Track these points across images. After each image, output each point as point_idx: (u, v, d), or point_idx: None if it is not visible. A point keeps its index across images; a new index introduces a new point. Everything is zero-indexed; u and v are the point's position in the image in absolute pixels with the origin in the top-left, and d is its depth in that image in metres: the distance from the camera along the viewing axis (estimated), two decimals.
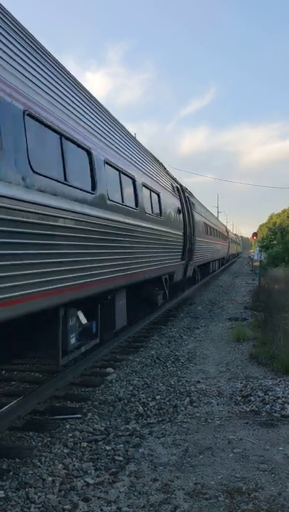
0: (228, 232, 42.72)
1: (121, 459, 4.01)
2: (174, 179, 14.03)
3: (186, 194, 15.01)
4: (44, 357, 5.72)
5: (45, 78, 4.75)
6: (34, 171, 4.15)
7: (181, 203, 13.40)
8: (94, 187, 5.81)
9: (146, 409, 5.28)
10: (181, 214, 13.09)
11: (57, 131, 4.82)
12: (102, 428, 4.72)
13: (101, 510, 3.23)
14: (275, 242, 37.27)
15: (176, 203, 12.58)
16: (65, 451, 4.19)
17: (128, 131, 8.76)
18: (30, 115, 4.22)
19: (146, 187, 8.98)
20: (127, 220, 7.19)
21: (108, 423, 4.88)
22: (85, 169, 5.74)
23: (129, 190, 7.79)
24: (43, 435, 4.53)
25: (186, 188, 15.68)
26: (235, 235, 79.05)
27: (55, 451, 4.17)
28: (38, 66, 4.68)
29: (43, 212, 4.30)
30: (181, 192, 13.93)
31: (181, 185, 14.67)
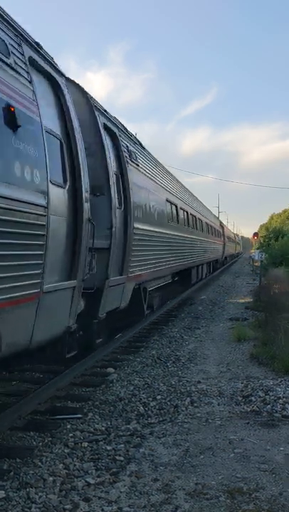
0: (223, 228, 35.22)
1: (122, 459, 4.01)
2: (45, 57, 5.07)
3: (109, 125, 7.13)
4: None
5: None
6: None
7: (65, 118, 5.36)
8: None
9: (147, 409, 5.28)
10: (62, 145, 5.19)
11: None
12: (103, 428, 4.72)
13: (102, 510, 3.22)
14: (272, 245, 37.24)
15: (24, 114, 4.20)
16: (65, 451, 4.18)
17: None
18: None
19: None
20: None
21: (109, 423, 4.88)
22: None
23: None
24: (43, 435, 4.53)
25: (116, 119, 7.84)
26: (234, 233, 65.72)
27: (55, 451, 4.17)
28: None
29: None
30: (61, 94, 5.30)
31: (82, 90, 6.44)
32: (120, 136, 7.53)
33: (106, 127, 6.87)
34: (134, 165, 8.17)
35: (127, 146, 7.90)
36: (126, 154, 7.63)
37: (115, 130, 7.30)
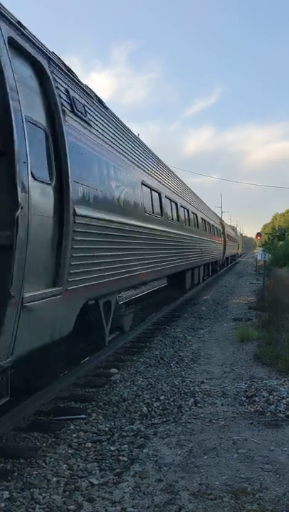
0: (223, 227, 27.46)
1: (125, 459, 4.01)
2: None
3: (25, 45, 4.07)
4: None
5: None
6: None
7: None
8: None
9: (150, 409, 5.28)
10: None
11: None
12: (107, 428, 4.72)
13: (106, 510, 3.22)
14: (281, 242, 36.89)
15: None
16: (69, 451, 4.19)
17: None
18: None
19: None
20: None
21: (112, 423, 4.88)
22: None
23: None
24: (47, 436, 4.54)
25: (45, 47, 4.63)
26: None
27: (59, 452, 4.18)
28: None
29: None
30: None
31: None
32: (52, 71, 4.88)
33: (15, 45, 4.15)
34: (81, 121, 5.50)
35: (67, 91, 5.25)
36: (63, 101, 4.99)
37: (39, 58, 4.62)
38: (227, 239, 32.99)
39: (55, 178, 4.59)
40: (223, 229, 29.68)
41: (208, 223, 20.90)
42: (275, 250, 30.80)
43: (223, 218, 46.42)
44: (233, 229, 52.37)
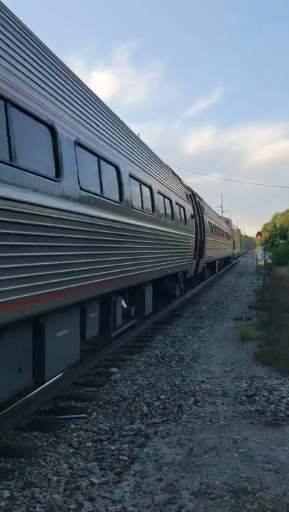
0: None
1: (126, 458, 4.01)
2: None
3: None
4: None
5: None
6: None
7: None
8: None
9: (150, 408, 5.28)
10: None
11: None
12: (107, 428, 4.72)
13: (106, 509, 3.23)
14: (281, 241, 36.78)
15: None
16: (70, 450, 4.19)
17: None
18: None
19: None
20: None
21: (113, 423, 4.88)
22: None
23: None
24: (47, 435, 4.54)
25: None
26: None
27: (60, 451, 4.18)
28: None
29: None
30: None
31: None
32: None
33: None
34: None
35: None
36: None
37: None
38: (211, 232, 19.48)
39: None
40: (199, 210, 16.24)
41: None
42: (277, 249, 30.78)
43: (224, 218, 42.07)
44: (227, 221, 39.08)
